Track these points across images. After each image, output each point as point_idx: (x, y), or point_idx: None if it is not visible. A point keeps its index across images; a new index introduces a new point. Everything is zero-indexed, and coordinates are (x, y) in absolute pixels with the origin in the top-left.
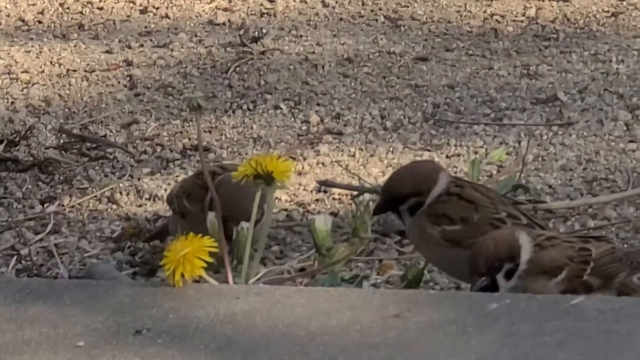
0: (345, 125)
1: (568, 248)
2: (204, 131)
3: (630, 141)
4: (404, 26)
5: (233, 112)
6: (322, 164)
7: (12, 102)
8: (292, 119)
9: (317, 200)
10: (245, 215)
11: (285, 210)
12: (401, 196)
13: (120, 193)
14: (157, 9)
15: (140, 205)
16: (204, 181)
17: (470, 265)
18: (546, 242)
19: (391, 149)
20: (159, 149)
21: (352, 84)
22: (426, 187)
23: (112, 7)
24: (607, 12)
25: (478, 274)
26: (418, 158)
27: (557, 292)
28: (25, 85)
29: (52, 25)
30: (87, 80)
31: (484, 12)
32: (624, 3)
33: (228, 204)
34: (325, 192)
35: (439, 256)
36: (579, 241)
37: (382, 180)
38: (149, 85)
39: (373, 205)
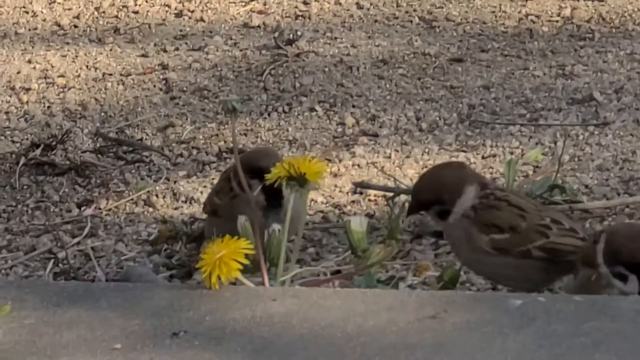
0: (380, 127)
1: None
2: (240, 134)
3: None
4: (438, 27)
5: (268, 114)
6: (358, 165)
7: (48, 107)
8: (328, 121)
9: (352, 201)
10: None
11: (321, 211)
12: (427, 202)
13: (157, 196)
14: (192, 12)
15: (176, 208)
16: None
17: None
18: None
19: (427, 150)
20: (194, 152)
21: (387, 86)
22: (450, 198)
23: (148, 11)
24: None
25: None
26: (454, 159)
27: None
28: (61, 90)
29: (88, 29)
30: (123, 84)
31: (519, 12)
32: None
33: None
34: (361, 193)
35: (486, 264)
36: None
37: None
38: (185, 89)
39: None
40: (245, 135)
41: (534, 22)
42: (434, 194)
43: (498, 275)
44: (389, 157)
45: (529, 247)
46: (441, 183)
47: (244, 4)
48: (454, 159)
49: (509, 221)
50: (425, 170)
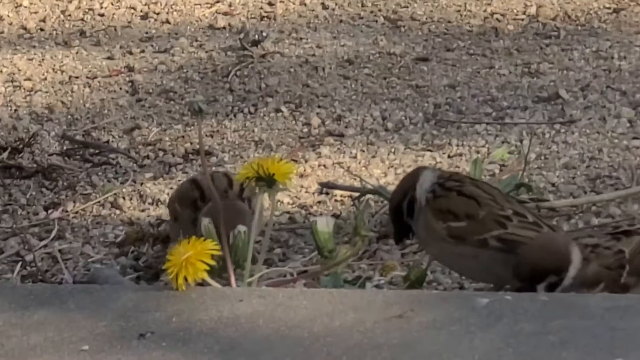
0: (346, 127)
1: (606, 256)
2: (206, 135)
3: (634, 138)
4: (404, 27)
5: (234, 115)
6: (324, 165)
7: (15, 110)
8: (294, 122)
9: (319, 202)
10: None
11: (288, 212)
12: (398, 201)
13: (124, 198)
14: (157, 14)
15: (143, 210)
16: (196, 192)
17: (514, 267)
18: (591, 254)
19: (393, 149)
20: (161, 153)
21: (353, 86)
22: (411, 184)
23: (113, 14)
24: (609, 8)
25: (520, 280)
26: (420, 159)
27: None
28: (28, 93)
29: (54, 32)
30: (90, 86)
31: (484, 11)
32: None
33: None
34: (327, 194)
35: (444, 252)
36: (612, 241)
37: (383, 181)
38: (151, 91)
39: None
40: (212, 136)
41: (499, 21)
42: (400, 192)
43: (459, 266)
44: (355, 157)
45: (486, 236)
46: (405, 178)
47: (209, 5)
48: (420, 159)
49: (465, 209)
50: (393, 172)
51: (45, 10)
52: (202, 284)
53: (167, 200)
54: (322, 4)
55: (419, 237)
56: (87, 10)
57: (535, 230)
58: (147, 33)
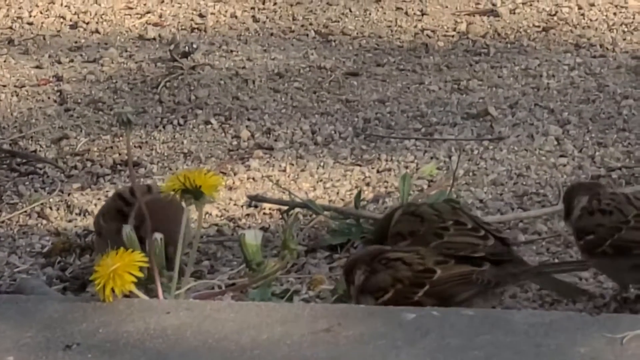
0: (275, 140)
1: (405, 270)
2: (135, 146)
3: (561, 156)
4: (334, 41)
5: (163, 127)
6: (253, 178)
7: None
8: (223, 134)
9: (247, 215)
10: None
11: (216, 225)
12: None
13: (51, 208)
14: (87, 24)
15: (70, 221)
16: (120, 202)
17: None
18: (381, 265)
19: (322, 163)
20: (89, 164)
21: (283, 99)
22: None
23: (42, 22)
24: (538, 27)
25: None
26: (349, 173)
27: None
28: None
29: None
30: (17, 95)
31: (415, 27)
32: (555, 18)
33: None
34: (255, 207)
35: None
36: (432, 262)
37: (312, 195)
38: (79, 101)
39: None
40: (140, 147)
41: (429, 37)
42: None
43: None
44: (284, 170)
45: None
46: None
47: (139, 16)
48: (349, 173)
49: (409, 227)
50: (322, 185)
51: None
52: (130, 295)
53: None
54: (253, 17)
55: None
56: (15, 18)
57: (472, 235)
58: (76, 42)
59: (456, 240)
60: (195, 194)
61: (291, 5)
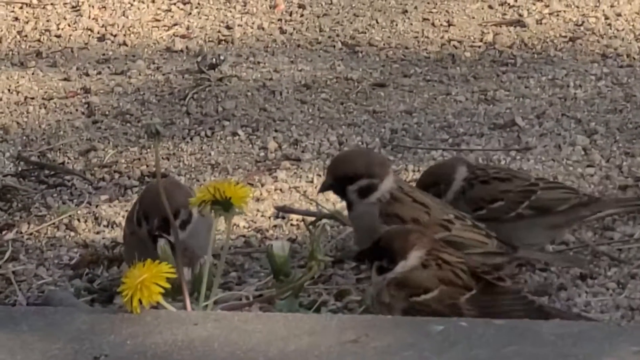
0: (303, 152)
1: (445, 271)
2: (162, 158)
3: (588, 165)
4: (361, 52)
5: (191, 138)
6: (280, 190)
7: None
8: (250, 146)
9: (275, 226)
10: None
11: (244, 236)
12: (352, 175)
13: (79, 220)
14: (114, 36)
15: (98, 232)
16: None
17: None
18: (433, 262)
19: None
20: (116, 175)
21: (310, 110)
22: (380, 172)
23: (70, 35)
24: (565, 37)
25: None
26: None
27: None
28: None
29: (10, 53)
30: (45, 107)
31: (442, 37)
32: (582, 28)
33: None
34: (283, 218)
35: None
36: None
37: (339, 206)
38: (107, 113)
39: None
40: (168, 159)
41: (456, 48)
42: (364, 166)
43: None
44: (311, 181)
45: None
46: (371, 157)
47: (166, 28)
48: None
49: (411, 214)
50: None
51: (2, 31)
52: (157, 307)
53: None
54: (280, 28)
55: (358, 230)
56: (43, 31)
57: (474, 232)
58: (104, 55)
59: (463, 235)
60: (224, 205)
61: (318, 17)
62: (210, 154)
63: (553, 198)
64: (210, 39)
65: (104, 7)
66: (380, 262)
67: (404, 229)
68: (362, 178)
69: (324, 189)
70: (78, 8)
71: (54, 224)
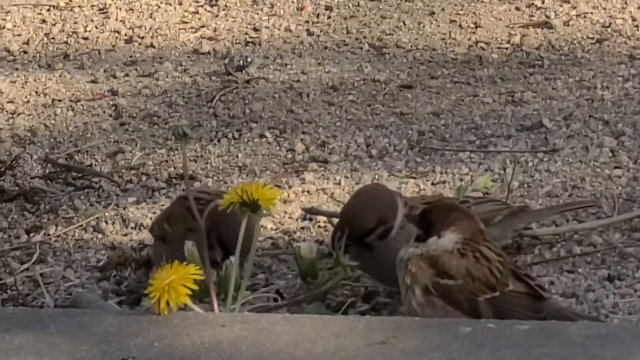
0: (330, 154)
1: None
2: (190, 160)
3: (616, 167)
4: (388, 54)
5: (218, 140)
6: (308, 192)
7: None
8: (278, 147)
9: (302, 228)
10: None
11: (271, 238)
12: (368, 231)
13: (106, 222)
14: (142, 38)
15: (125, 234)
16: (186, 204)
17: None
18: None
19: (376, 176)
20: (144, 178)
21: (337, 112)
22: (392, 213)
23: (97, 37)
24: (592, 38)
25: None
26: (403, 185)
27: None
28: (10, 116)
29: (38, 55)
30: (73, 110)
31: (469, 39)
32: (609, 30)
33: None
34: (310, 220)
35: None
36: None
37: None
38: (134, 115)
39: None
40: (195, 161)
41: (483, 49)
42: (377, 218)
43: None
44: (339, 183)
45: None
46: (379, 202)
47: (194, 30)
48: (403, 186)
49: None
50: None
51: (29, 33)
52: (185, 308)
53: (151, 223)
54: (307, 30)
55: (386, 260)
56: (71, 33)
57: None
58: (131, 57)
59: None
60: (252, 207)
61: (345, 19)
62: (237, 156)
63: (486, 211)
64: (237, 41)
65: (131, 9)
66: (419, 231)
67: (450, 204)
68: (378, 228)
69: (341, 246)
70: (105, 10)
71: (81, 226)
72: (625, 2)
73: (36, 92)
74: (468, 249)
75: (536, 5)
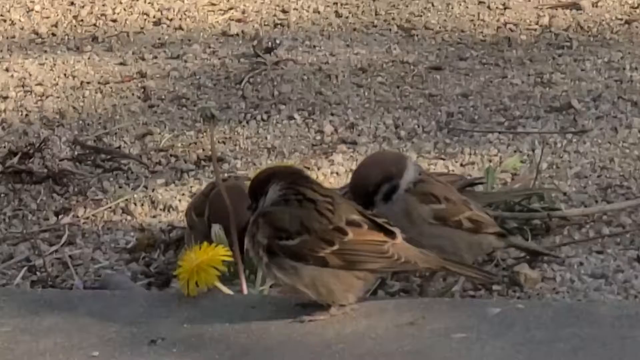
0: (359, 135)
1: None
2: (218, 142)
3: None
4: (417, 35)
5: (247, 122)
6: (337, 173)
7: (26, 115)
8: (306, 129)
9: None
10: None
11: None
12: (372, 190)
13: (135, 204)
14: (170, 20)
15: (154, 216)
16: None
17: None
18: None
19: None
20: (173, 159)
21: (366, 94)
22: (397, 171)
23: (126, 19)
24: (621, 19)
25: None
26: (432, 167)
27: None
28: (39, 98)
29: (66, 37)
30: (101, 92)
31: (498, 20)
32: (638, 11)
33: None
34: None
35: (422, 235)
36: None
37: None
38: (163, 97)
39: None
40: (224, 143)
41: (512, 31)
42: (382, 172)
43: (435, 246)
44: None
45: (460, 217)
46: (385, 160)
47: (222, 12)
48: (432, 167)
49: (443, 192)
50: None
51: (57, 15)
52: (213, 290)
53: (186, 208)
54: (336, 12)
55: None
56: (99, 15)
57: (485, 213)
58: (159, 39)
59: (482, 215)
60: None
61: (373, 0)
62: (266, 138)
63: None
64: (266, 23)
65: None
66: (253, 204)
67: (266, 170)
68: (382, 185)
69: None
70: None
71: (110, 208)
72: None
73: (65, 75)
74: (290, 193)
75: None
